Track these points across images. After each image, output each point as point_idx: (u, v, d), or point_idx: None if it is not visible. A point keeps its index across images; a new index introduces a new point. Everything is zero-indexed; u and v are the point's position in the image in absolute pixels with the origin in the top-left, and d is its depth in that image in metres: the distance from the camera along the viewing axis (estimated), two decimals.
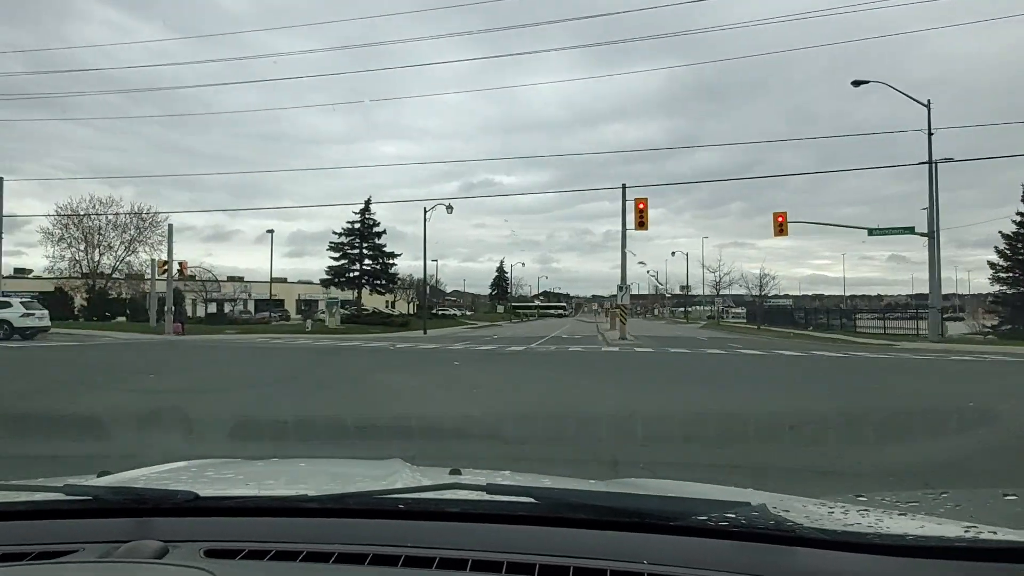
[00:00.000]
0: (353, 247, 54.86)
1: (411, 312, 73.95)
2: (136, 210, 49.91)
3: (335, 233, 55.10)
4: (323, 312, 53.37)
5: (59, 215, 47.19)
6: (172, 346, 25.98)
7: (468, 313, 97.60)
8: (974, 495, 2.03)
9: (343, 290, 55.62)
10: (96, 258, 50.17)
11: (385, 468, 1.96)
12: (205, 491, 1.41)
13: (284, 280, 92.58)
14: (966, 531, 1.26)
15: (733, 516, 1.24)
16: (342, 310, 48.50)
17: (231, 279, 77.60)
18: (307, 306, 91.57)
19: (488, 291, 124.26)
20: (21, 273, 78.95)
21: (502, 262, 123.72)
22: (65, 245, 49.76)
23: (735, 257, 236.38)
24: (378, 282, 55.90)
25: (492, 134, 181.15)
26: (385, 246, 55.43)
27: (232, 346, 25.91)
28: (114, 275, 51.00)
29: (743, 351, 25.24)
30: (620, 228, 35.20)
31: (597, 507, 1.32)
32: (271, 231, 58.31)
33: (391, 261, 55.43)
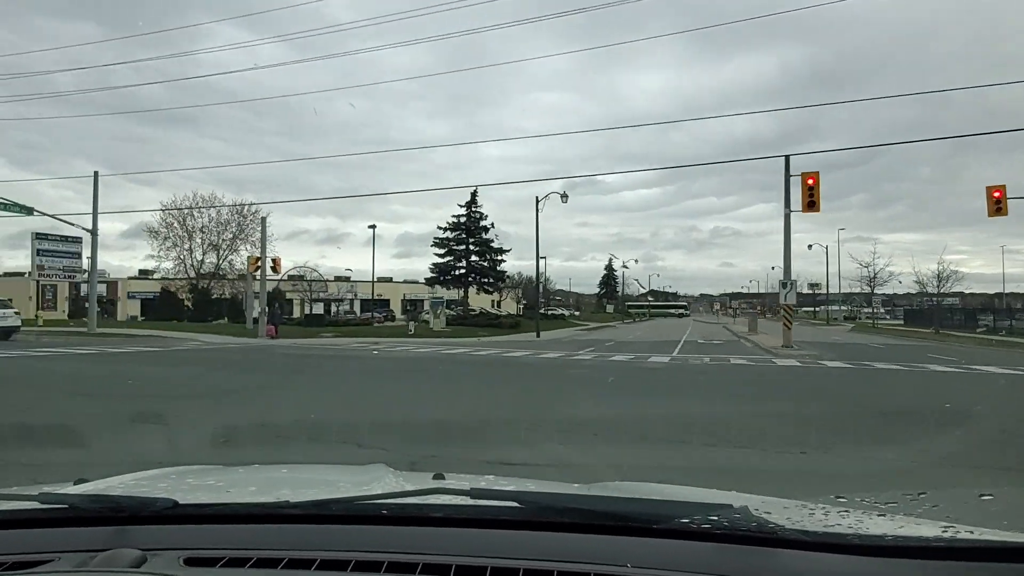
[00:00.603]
0: (459, 243, 50.75)
1: (518, 312, 69.33)
2: (237, 205, 47.80)
3: (440, 228, 51.36)
4: (427, 313, 49.58)
5: (164, 209, 45.39)
6: (245, 355, 22.07)
7: (576, 313, 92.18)
8: (951, 496, 2.18)
9: (449, 289, 51.62)
10: (199, 257, 48.40)
11: (368, 474, 1.93)
12: (184, 498, 1.38)
13: (389, 280, 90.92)
14: (944, 531, 1.27)
15: (715, 518, 1.23)
16: (447, 311, 44.44)
17: (338, 279, 76.17)
18: (412, 306, 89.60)
19: (596, 290, 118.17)
20: (145, 275, 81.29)
21: (611, 260, 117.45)
22: (170, 244, 48.26)
23: (858, 252, 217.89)
24: (485, 280, 51.54)
25: (592, 133, 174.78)
26: (493, 241, 51.09)
27: (317, 356, 21.66)
28: (217, 274, 49.07)
29: (985, 368, 18.47)
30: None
31: (581, 511, 1.30)
32: (373, 226, 55.32)
33: (499, 257, 50.92)
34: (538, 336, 37.97)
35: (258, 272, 31.90)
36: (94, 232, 32.39)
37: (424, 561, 1.16)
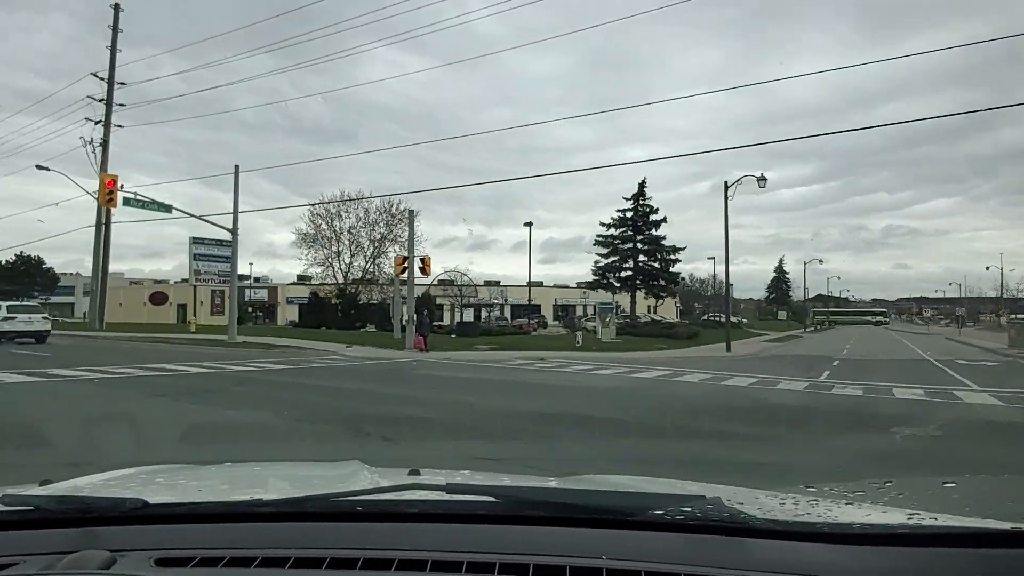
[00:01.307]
0: (625, 240, 44.22)
1: (682, 319, 61.50)
2: (386, 204, 44.21)
3: (603, 225, 45.21)
4: (589, 320, 43.46)
5: (313, 204, 42.59)
6: (383, 379, 16.90)
7: (743, 320, 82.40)
8: (915, 484, 2.05)
9: (615, 292, 45.19)
10: (347, 260, 45.41)
11: (343, 470, 1.89)
12: (155, 498, 1.36)
13: (540, 284, 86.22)
14: (909, 518, 1.29)
15: (689, 510, 1.24)
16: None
17: (487, 283, 72.38)
18: (564, 311, 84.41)
19: (753, 295, 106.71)
20: (302, 280, 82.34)
21: (781, 261, 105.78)
22: (318, 247, 45.66)
23: None
24: (654, 283, 44.57)
25: (746, 129, 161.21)
26: (664, 238, 43.96)
27: (489, 384, 16.09)
28: (364, 278, 45.89)
29: None
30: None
31: (556, 504, 1.31)
32: (529, 224, 49.65)
33: (673, 257, 43.78)
34: (728, 350, 30.78)
35: (405, 273, 27.24)
36: (234, 231, 29.29)
37: (400, 557, 1.15)
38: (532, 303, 76.78)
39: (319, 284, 48.18)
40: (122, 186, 25.65)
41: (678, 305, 74.30)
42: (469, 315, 53.59)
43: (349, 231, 44.90)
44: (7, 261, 70.52)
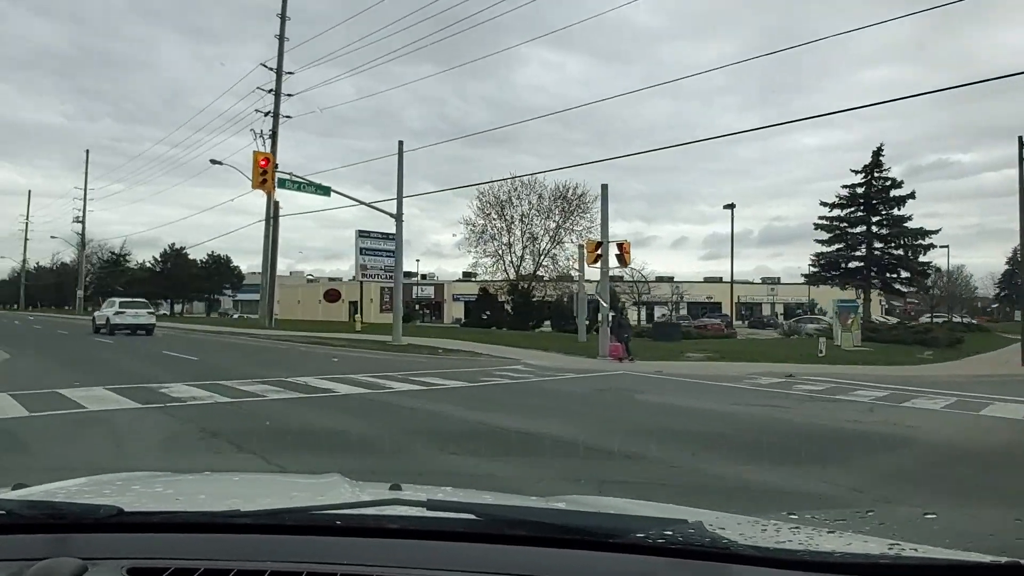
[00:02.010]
0: (854, 223, 35.60)
1: (886, 319, 50.79)
2: (561, 189, 39.11)
3: (824, 205, 36.70)
4: (811, 322, 35.49)
5: (481, 184, 38.46)
6: (604, 414, 11.37)
7: (973, 321, 68.45)
8: (897, 514, 2.19)
9: (844, 288, 36.79)
10: (519, 252, 40.82)
11: (323, 484, 1.91)
12: (130, 506, 1.32)
13: (719, 280, 77.71)
14: (890, 548, 1.29)
15: (670, 533, 1.24)
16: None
17: (659, 279, 65.51)
18: (747, 310, 75.48)
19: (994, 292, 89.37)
20: (468, 276, 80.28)
21: (1015, 253, 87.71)
22: (488, 238, 41.50)
23: None
24: (893, 276, 35.52)
25: (939, 106, 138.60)
26: (909, 219, 34.79)
27: (793, 436, 10.19)
28: (536, 274, 41.05)
29: None
30: None
31: (536, 523, 1.29)
32: (731, 205, 41.71)
33: (922, 241, 34.49)
34: None
35: (598, 263, 21.76)
36: (398, 216, 25.35)
37: (378, 574, 1.14)
38: (711, 300, 68.76)
39: (487, 280, 44.15)
40: (277, 166, 22.44)
41: (883, 303, 62.83)
42: (641, 313, 47.34)
43: (521, 219, 40.24)
44: (200, 260, 74.56)
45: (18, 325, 43.78)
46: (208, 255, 75.07)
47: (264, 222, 37.78)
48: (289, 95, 38.20)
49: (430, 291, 78.38)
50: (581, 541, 1.22)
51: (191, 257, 73.04)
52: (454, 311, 77.01)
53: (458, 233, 51.91)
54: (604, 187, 22.58)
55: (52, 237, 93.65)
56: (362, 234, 41.23)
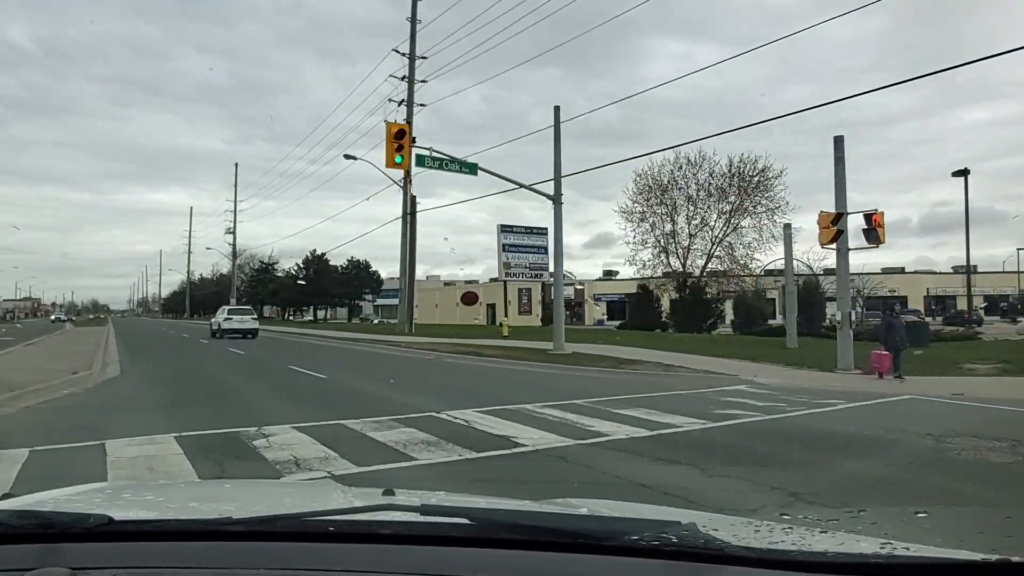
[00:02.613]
0: None
1: None
2: (738, 165, 32.81)
3: None
4: None
5: (637, 157, 33.00)
6: None
7: None
8: (888, 513, 2.13)
9: None
10: (685, 242, 34.89)
11: (316, 489, 2.03)
12: (120, 514, 1.30)
13: (900, 270, 67.20)
14: (882, 547, 1.29)
15: (664, 535, 1.23)
16: None
17: (827, 272, 56.74)
18: (939, 303, 64.81)
19: None
20: (608, 276, 74.99)
21: None
22: (647, 228, 35.85)
23: None
24: None
25: None
26: None
27: None
28: (709, 265, 34.89)
29: None
30: None
31: (531, 527, 1.27)
32: (964, 171, 33.37)
33: None
34: None
35: (834, 242, 15.94)
36: (556, 198, 20.59)
37: None
38: (894, 295, 59.09)
39: (642, 277, 38.50)
40: (414, 139, 18.47)
41: None
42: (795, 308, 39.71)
43: (689, 201, 34.25)
44: (341, 266, 74.36)
45: (169, 332, 43.97)
46: (348, 260, 74.71)
47: (401, 219, 34.62)
48: (422, 105, 34.89)
49: (569, 291, 73.67)
50: (575, 544, 1.22)
51: (332, 263, 72.98)
52: (595, 312, 71.91)
53: (618, 209, 44.84)
54: (838, 139, 16.61)
55: (207, 249, 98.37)
56: (505, 229, 37.15)
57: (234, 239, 73.90)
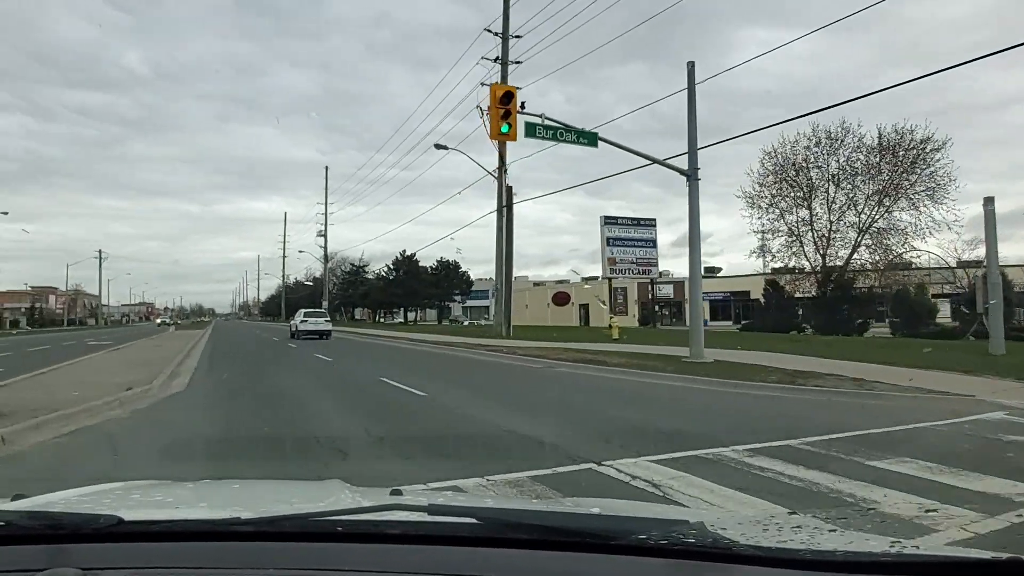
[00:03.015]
0: None
1: None
2: (894, 136, 27.62)
3: None
4: None
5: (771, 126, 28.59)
6: None
7: None
8: (899, 512, 1.92)
9: None
10: (825, 231, 29.97)
11: (323, 489, 1.89)
12: (130, 515, 1.29)
13: None
14: (891, 546, 1.27)
15: (672, 534, 1.23)
16: None
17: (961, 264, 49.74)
18: None
19: None
20: (710, 273, 69.70)
21: None
22: (776, 215, 31.16)
23: None
24: None
25: None
26: None
27: None
28: (855, 256, 29.87)
29: None
30: None
31: (538, 527, 1.26)
32: None
33: None
34: None
35: None
36: (691, 173, 16.89)
37: None
38: None
39: (771, 271, 33.94)
40: (523, 105, 15.32)
41: None
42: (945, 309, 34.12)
43: (832, 182, 29.33)
44: (431, 267, 72.77)
45: (261, 335, 43.26)
46: (437, 261, 72.99)
47: (496, 213, 31.71)
48: (517, 36, 31.76)
49: (668, 290, 68.90)
50: (583, 543, 1.21)
51: (421, 264, 71.37)
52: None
53: (740, 195, 39.24)
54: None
55: (300, 252, 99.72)
56: (609, 221, 33.62)
57: (325, 241, 73.75)
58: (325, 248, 74.53)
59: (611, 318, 30.31)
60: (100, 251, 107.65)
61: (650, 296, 59.88)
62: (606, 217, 33.19)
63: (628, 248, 33.12)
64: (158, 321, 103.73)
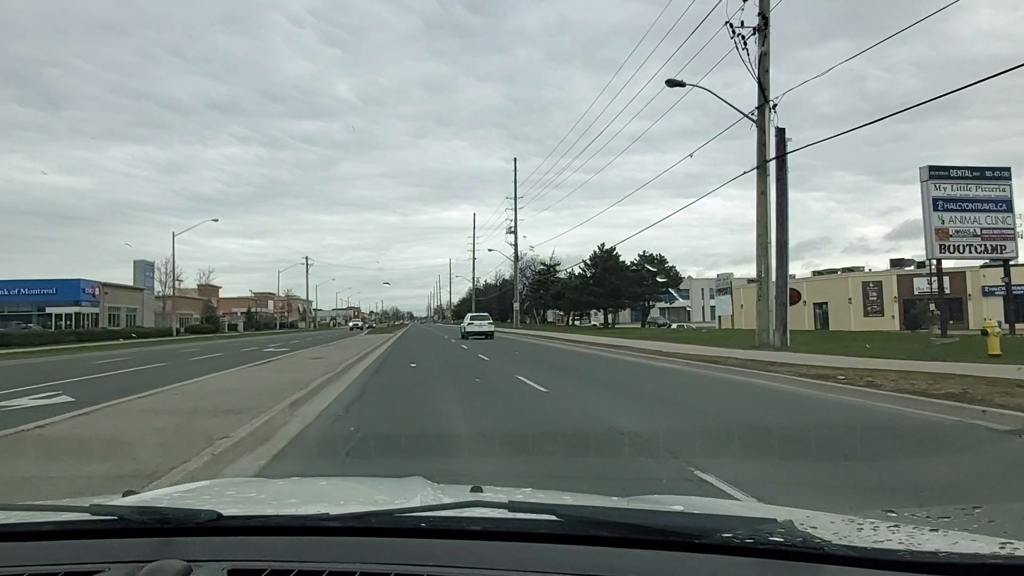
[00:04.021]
0: None
1: None
2: None
3: None
4: None
5: None
6: None
7: None
8: (1008, 510, 1.90)
9: None
10: None
11: (406, 486, 1.89)
12: (227, 510, 1.35)
13: None
14: (1001, 547, 1.18)
15: (759, 533, 1.18)
16: None
17: None
18: None
19: None
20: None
21: None
22: None
23: None
24: None
25: None
26: None
27: None
28: None
29: None
30: None
31: (619, 524, 1.24)
32: None
33: None
34: None
35: None
36: None
37: (463, 575, 1.14)
38: None
39: None
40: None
41: None
42: None
43: None
44: (631, 263, 63.25)
45: (449, 340, 40.32)
46: (640, 256, 63.23)
47: (757, 171, 21.84)
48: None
49: (920, 284, 53.21)
50: (666, 542, 1.18)
51: (621, 259, 61.86)
52: (986, 310, 50.75)
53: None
54: None
55: (489, 251, 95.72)
56: (936, 172, 22.19)
57: (515, 233, 67.51)
58: (515, 243, 68.33)
59: (987, 323, 18.85)
60: (307, 258, 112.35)
61: (914, 292, 45.69)
62: (931, 168, 21.82)
63: (972, 211, 21.49)
64: (350, 325, 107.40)
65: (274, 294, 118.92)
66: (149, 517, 1.31)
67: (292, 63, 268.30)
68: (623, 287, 60.39)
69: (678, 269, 62.34)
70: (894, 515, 1.50)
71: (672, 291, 64.28)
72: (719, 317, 63.99)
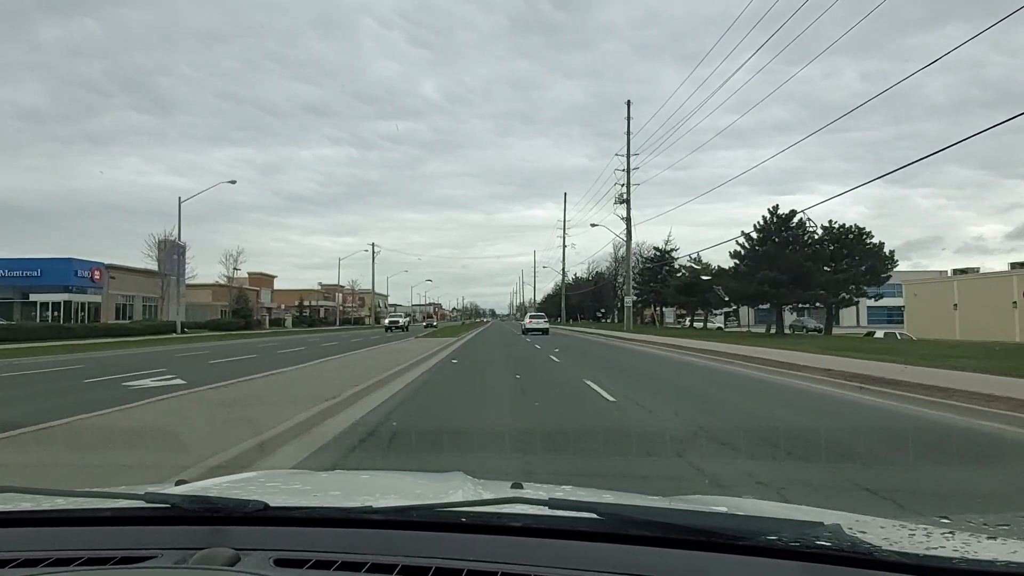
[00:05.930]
0: None
1: None
2: None
3: None
4: None
5: None
6: None
7: None
8: None
9: None
10: None
11: (448, 481, 1.88)
12: (274, 501, 1.36)
13: None
14: None
15: (805, 536, 1.13)
16: None
17: None
18: None
19: None
20: None
21: None
22: None
23: None
24: None
25: None
26: None
27: None
28: None
29: None
30: None
31: (661, 524, 1.21)
32: None
33: None
34: None
35: None
36: None
37: (502, 571, 1.12)
38: None
39: None
40: None
41: None
42: None
43: None
44: (811, 237, 41.71)
45: (522, 339, 35.43)
46: (825, 226, 40.92)
47: None
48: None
49: None
50: (708, 543, 1.15)
51: (804, 229, 39.48)
52: None
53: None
54: None
55: (592, 225, 76.88)
56: None
57: (628, 203, 48.24)
58: (627, 214, 48.97)
59: None
60: (373, 244, 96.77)
61: None
62: None
63: None
64: (386, 322, 67.68)
65: (343, 287, 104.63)
66: (200, 506, 1.33)
67: (381, 65, 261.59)
68: (816, 270, 37.78)
69: (888, 249, 39.86)
70: (948, 521, 1.39)
71: (870, 282, 40.58)
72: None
